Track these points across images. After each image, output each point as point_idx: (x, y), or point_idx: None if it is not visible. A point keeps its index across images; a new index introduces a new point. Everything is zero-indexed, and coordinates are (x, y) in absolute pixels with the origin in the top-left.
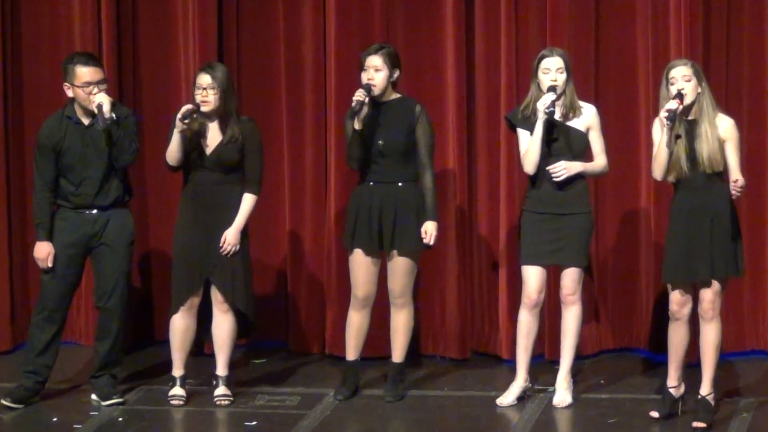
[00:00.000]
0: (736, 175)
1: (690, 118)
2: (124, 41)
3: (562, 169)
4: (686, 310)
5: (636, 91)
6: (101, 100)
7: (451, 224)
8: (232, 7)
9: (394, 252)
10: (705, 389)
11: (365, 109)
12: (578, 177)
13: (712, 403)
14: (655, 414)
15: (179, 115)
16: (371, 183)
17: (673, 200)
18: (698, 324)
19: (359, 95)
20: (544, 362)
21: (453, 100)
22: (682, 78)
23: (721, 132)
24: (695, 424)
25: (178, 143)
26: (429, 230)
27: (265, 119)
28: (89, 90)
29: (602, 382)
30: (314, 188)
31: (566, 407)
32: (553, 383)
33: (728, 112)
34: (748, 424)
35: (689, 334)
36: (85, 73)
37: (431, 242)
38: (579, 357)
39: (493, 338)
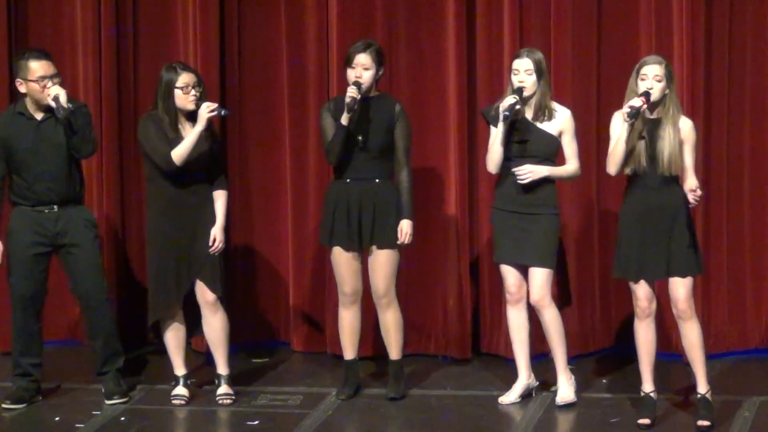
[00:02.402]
0: (693, 180)
1: (653, 116)
2: (124, 40)
3: (527, 172)
4: (654, 306)
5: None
6: (57, 91)
7: (452, 223)
8: (233, 7)
9: (374, 248)
10: (702, 387)
11: (356, 107)
12: (544, 180)
13: (711, 399)
14: (646, 421)
15: (210, 113)
16: (348, 180)
17: (626, 195)
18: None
19: (353, 92)
20: (548, 360)
21: (454, 99)
22: (653, 77)
23: (682, 134)
24: (700, 422)
25: (196, 140)
26: (405, 229)
27: (268, 119)
28: (44, 84)
29: (604, 381)
30: (316, 187)
31: (568, 406)
32: (556, 382)
33: (730, 111)
34: (751, 423)
35: (656, 332)
36: (38, 67)
37: (406, 240)
38: (581, 356)
39: (495, 337)
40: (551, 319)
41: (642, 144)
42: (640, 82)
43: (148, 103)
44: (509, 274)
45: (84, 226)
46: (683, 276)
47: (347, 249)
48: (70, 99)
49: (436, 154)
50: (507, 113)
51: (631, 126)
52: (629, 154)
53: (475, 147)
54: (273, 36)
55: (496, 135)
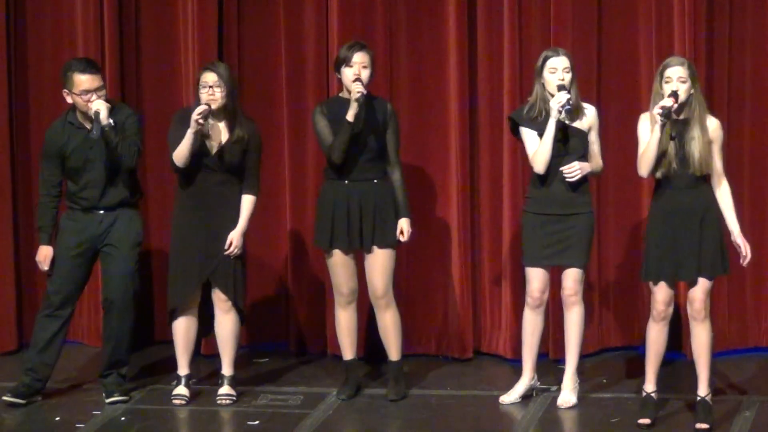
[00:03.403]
0: (722, 177)
1: (681, 118)
2: (127, 42)
3: (577, 169)
4: (671, 309)
5: (638, 91)
6: (98, 107)
7: (453, 223)
8: (233, 7)
9: (374, 247)
10: (703, 390)
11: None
12: (584, 178)
13: (711, 403)
14: (646, 421)
15: (197, 116)
16: (346, 182)
17: (655, 198)
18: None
19: (360, 87)
20: (547, 361)
21: (455, 99)
22: (677, 79)
23: (710, 133)
24: (699, 425)
25: (191, 143)
26: (405, 227)
27: (266, 119)
28: (87, 98)
29: (605, 381)
30: (315, 188)
31: (569, 407)
32: (556, 383)
33: (730, 111)
34: (751, 422)
35: (668, 335)
36: (83, 81)
37: (407, 239)
38: (581, 356)
39: (496, 338)
40: (576, 319)
41: (672, 146)
42: (665, 85)
43: (150, 104)
44: (536, 278)
45: (126, 232)
46: (710, 278)
47: (347, 251)
48: (118, 108)
49: (437, 154)
50: (569, 107)
51: (663, 126)
52: (660, 157)
53: (476, 147)
54: (272, 36)
55: (548, 133)
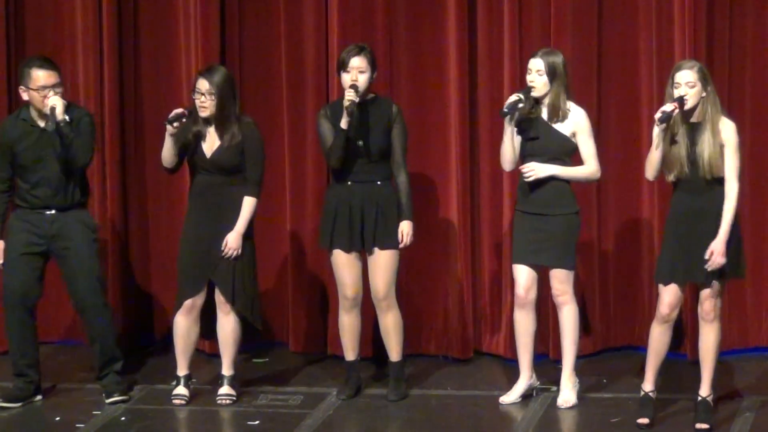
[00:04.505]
0: (731, 181)
1: (693, 121)
2: (126, 41)
3: (530, 170)
4: (676, 313)
5: (638, 92)
6: (54, 102)
7: (454, 223)
8: (234, 7)
9: (376, 249)
10: (705, 390)
11: (355, 110)
12: (556, 179)
13: (712, 403)
14: (645, 420)
15: (169, 119)
16: (350, 183)
17: (672, 201)
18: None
19: (352, 96)
20: (547, 361)
21: (455, 99)
22: (686, 84)
23: (722, 137)
24: (698, 425)
25: (170, 146)
26: (405, 230)
27: (267, 119)
28: (44, 93)
29: (605, 381)
30: (315, 188)
31: (569, 407)
32: (556, 382)
33: (731, 111)
34: (751, 422)
35: (671, 337)
36: (40, 76)
37: (408, 241)
38: (581, 356)
39: (496, 337)
40: (568, 318)
41: (683, 149)
42: (674, 90)
43: (149, 104)
44: (521, 276)
45: (80, 230)
46: (719, 280)
47: (349, 250)
48: (73, 108)
49: (437, 154)
50: (505, 110)
51: (665, 131)
52: (670, 160)
53: (476, 147)
54: (273, 38)
55: (505, 133)
